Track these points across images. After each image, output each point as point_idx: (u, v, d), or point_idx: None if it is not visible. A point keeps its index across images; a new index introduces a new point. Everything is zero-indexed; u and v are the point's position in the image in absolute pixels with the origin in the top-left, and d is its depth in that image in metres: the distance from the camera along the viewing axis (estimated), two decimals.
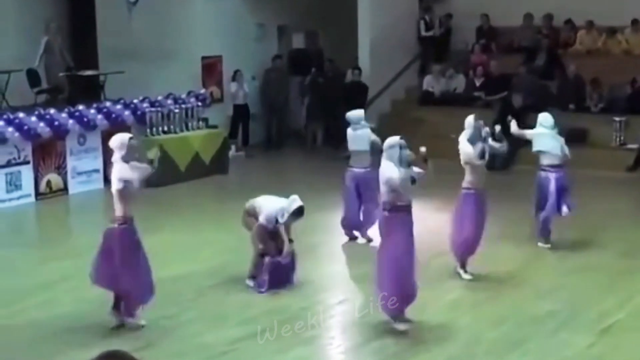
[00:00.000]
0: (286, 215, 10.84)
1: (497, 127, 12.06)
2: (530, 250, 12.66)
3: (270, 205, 11.03)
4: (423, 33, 22.73)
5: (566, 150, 12.65)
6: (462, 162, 11.39)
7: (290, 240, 11.14)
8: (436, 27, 22.72)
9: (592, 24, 21.23)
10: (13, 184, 16.09)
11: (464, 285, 11.28)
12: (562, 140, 12.77)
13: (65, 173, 16.91)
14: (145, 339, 9.54)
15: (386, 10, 21.66)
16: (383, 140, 10.18)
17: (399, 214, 9.56)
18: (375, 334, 9.66)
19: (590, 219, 14.40)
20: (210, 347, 9.39)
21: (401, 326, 9.70)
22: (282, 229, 11.04)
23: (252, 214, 11.14)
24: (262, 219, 10.95)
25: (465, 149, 11.30)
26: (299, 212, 10.91)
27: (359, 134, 13.11)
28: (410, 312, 9.97)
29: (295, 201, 10.89)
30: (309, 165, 19.46)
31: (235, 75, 20.79)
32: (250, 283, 11.13)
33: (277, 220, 10.92)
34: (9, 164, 16.04)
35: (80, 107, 17.34)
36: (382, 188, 9.64)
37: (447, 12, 22.92)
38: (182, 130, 18.41)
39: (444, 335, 9.69)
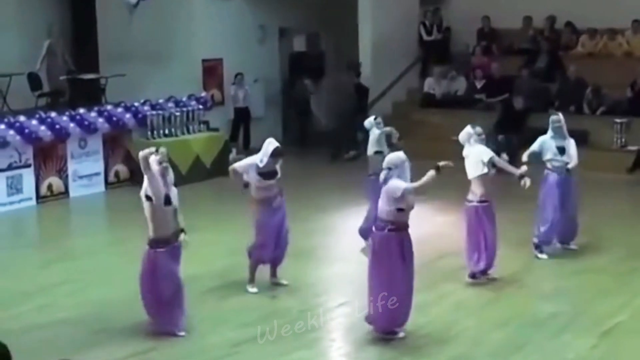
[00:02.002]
0: (265, 159, 10.85)
1: (500, 137, 12.05)
2: (532, 252, 12.61)
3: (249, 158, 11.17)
4: (425, 37, 22.70)
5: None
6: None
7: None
8: (435, 32, 22.67)
9: (595, 30, 21.15)
10: (14, 188, 16.08)
11: (466, 288, 11.26)
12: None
13: (66, 176, 16.90)
14: (147, 342, 9.52)
15: (387, 13, 21.64)
16: None
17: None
18: (376, 337, 9.62)
19: (592, 221, 14.36)
20: (211, 350, 9.37)
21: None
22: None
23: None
24: (239, 164, 11.05)
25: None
26: (277, 153, 10.92)
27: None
28: (412, 314, 9.99)
29: (270, 144, 10.93)
30: (310, 167, 19.42)
31: (236, 79, 20.80)
32: (252, 289, 11.15)
33: (257, 167, 10.87)
34: (10, 168, 16.03)
35: (81, 110, 17.34)
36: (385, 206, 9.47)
37: (446, 17, 22.91)
38: (183, 134, 18.40)
39: (446, 337, 9.67)
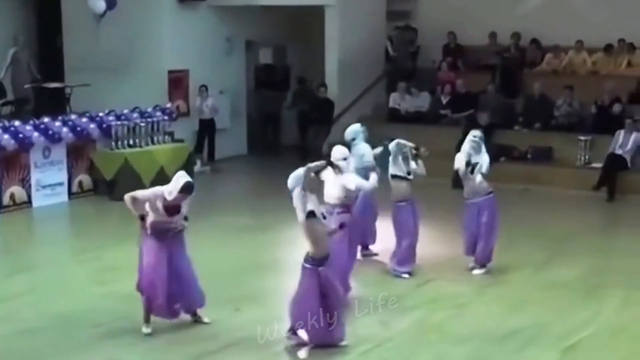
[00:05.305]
0: (174, 193, 9.88)
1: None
2: (495, 267, 12.65)
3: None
4: (391, 53, 22.78)
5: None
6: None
7: (185, 218, 10.20)
8: (402, 49, 22.73)
9: (557, 47, 21.34)
10: None
11: (429, 302, 11.26)
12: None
13: (29, 186, 16.75)
14: (108, 353, 9.45)
15: (354, 27, 21.66)
16: None
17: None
18: (340, 352, 9.60)
19: (556, 236, 14.47)
20: None
21: None
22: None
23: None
24: (143, 192, 10.18)
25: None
26: (186, 188, 9.92)
27: (352, 152, 12.36)
28: (375, 331, 10.04)
29: (181, 177, 10.04)
30: (276, 179, 19.36)
31: (200, 90, 20.76)
32: (147, 330, 10.17)
33: (164, 199, 9.96)
34: None
35: (46, 119, 17.20)
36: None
37: (413, 36, 23.03)
38: (147, 144, 18.28)
39: (409, 352, 9.66)
